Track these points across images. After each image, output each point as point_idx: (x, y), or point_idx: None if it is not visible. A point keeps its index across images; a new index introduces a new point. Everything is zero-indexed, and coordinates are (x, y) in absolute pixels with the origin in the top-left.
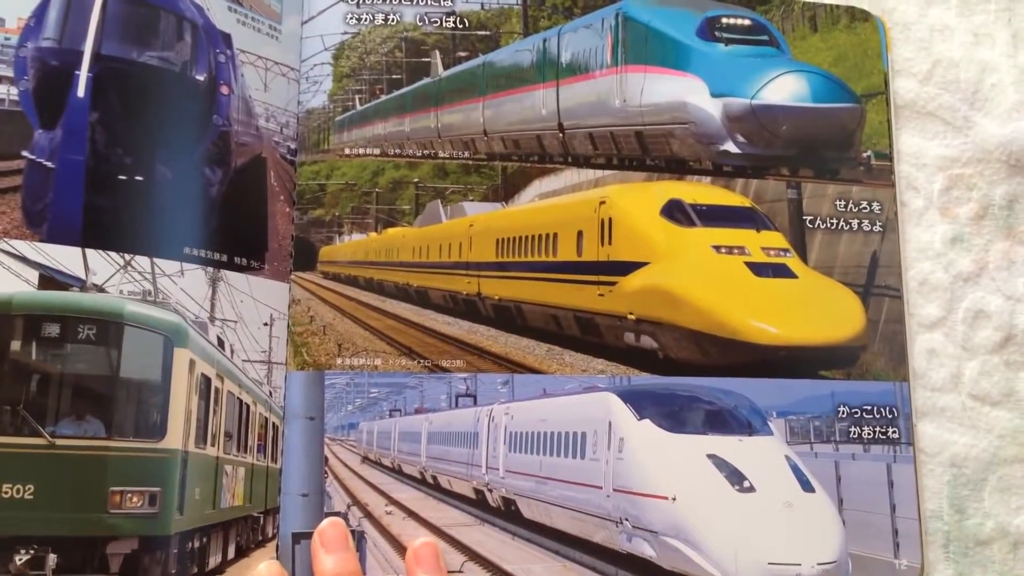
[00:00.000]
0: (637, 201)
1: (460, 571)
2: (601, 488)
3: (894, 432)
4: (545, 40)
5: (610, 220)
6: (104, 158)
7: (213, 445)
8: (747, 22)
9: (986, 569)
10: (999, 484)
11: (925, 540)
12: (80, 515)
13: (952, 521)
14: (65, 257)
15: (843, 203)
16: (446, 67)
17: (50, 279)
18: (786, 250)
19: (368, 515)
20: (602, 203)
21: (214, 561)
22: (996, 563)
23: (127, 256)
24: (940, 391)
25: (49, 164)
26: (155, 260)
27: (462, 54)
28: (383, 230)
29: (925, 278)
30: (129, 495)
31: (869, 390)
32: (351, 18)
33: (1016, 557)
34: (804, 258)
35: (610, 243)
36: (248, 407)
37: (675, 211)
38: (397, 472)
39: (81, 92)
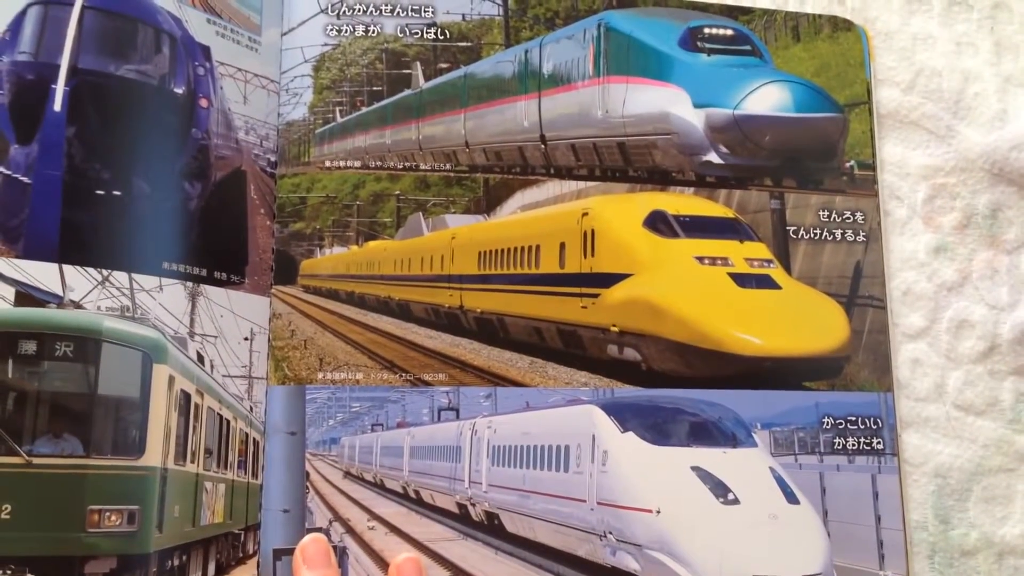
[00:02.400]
0: (620, 212)
1: None
2: (585, 501)
3: (879, 443)
4: (527, 51)
5: (593, 232)
6: (81, 173)
7: (193, 462)
8: (729, 32)
9: None
10: (984, 494)
11: (910, 551)
12: (58, 534)
13: (937, 532)
14: (42, 273)
15: (826, 213)
16: (427, 79)
17: (27, 296)
18: (769, 261)
19: (350, 531)
20: (585, 215)
21: None
22: (981, 574)
23: (105, 272)
24: (924, 401)
25: (25, 179)
26: (133, 275)
27: (443, 66)
28: (364, 243)
29: (909, 288)
30: (108, 513)
31: (853, 401)
32: (331, 30)
33: (1001, 567)
34: (787, 269)
35: (593, 255)
36: (228, 423)
37: (658, 222)
38: (379, 487)
39: (58, 106)
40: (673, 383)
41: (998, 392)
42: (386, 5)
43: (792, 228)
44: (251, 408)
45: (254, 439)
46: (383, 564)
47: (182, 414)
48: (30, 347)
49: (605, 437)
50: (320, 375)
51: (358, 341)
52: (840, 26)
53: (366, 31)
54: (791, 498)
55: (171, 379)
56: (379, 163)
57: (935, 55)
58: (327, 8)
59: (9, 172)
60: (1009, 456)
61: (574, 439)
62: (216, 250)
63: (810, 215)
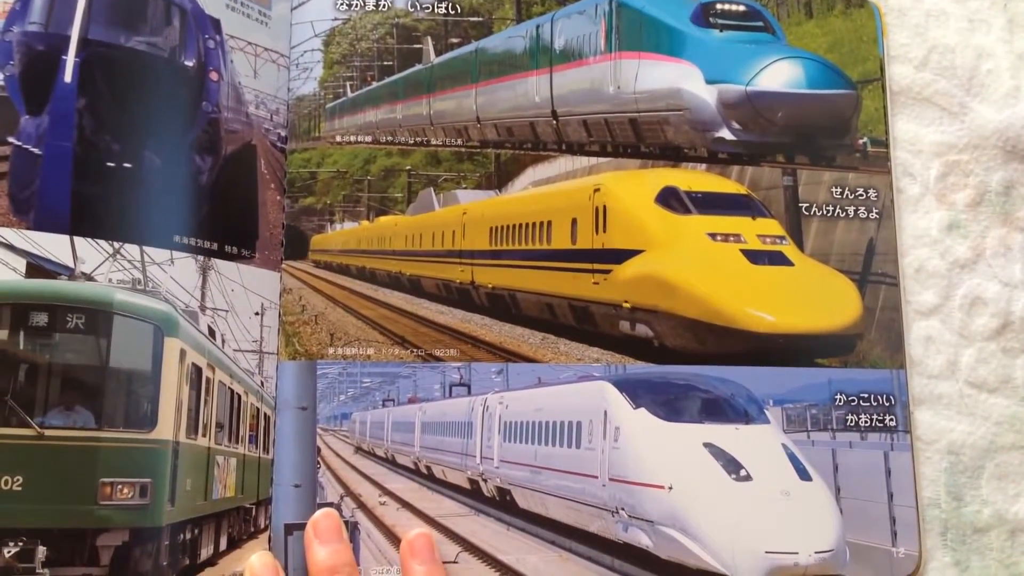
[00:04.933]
0: (632, 188)
1: (455, 562)
2: (597, 477)
3: (891, 420)
4: (538, 26)
5: (604, 208)
6: (92, 145)
7: (204, 436)
8: (742, 8)
9: (984, 556)
10: (996, 471)
11: (923, 528)
12: (70, 507)
13: (950, 509)
14: (53, 245)
15: (839, 190)
16: (438, 54)
17: (38, 267)
18: (782, 237)
19: (362, 506)
20: (596, 190)
21: (206, 553)
22: (994, 550)
23: (116, 244)
24: (937, 378)
25: (36, 151)
26: (144, 248)
27: (454, 40)
28: (375, 218)
29: (921, 265)
30: (120, 486)
31: (866, 378)
32: (341, 4)
33: (1014, 544)
34: (800, 246)
35: (605, 231)
36: (240, 397)
37: (670, 198)
38: (391, 462)
39: (68, 78)
40: (685, 359)
41: (1011, 369)
42: None
43: (805, 205)
44: (262, 383)
45: (265, 414)
46: (395, 539)
47: (194, 388)
48: (41, 319)
49: (617, 413)
50: (331, 350)
51: (369, 316)
52: (853, 2)
53: (376, 5)
54: (803, 475)
55: (182, 352)
56: (390, 138)
57: (948, 32)
58: None
59: (20, 143)
60: (1022, 433)
61: (586, 415)
62: (227, 224)
63: (823, 192)
